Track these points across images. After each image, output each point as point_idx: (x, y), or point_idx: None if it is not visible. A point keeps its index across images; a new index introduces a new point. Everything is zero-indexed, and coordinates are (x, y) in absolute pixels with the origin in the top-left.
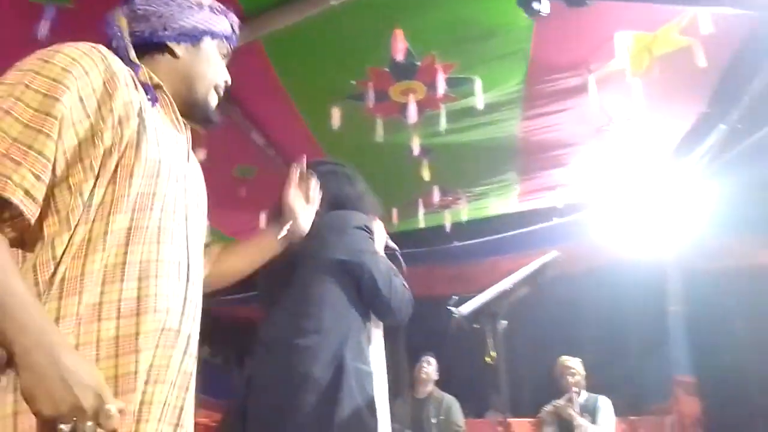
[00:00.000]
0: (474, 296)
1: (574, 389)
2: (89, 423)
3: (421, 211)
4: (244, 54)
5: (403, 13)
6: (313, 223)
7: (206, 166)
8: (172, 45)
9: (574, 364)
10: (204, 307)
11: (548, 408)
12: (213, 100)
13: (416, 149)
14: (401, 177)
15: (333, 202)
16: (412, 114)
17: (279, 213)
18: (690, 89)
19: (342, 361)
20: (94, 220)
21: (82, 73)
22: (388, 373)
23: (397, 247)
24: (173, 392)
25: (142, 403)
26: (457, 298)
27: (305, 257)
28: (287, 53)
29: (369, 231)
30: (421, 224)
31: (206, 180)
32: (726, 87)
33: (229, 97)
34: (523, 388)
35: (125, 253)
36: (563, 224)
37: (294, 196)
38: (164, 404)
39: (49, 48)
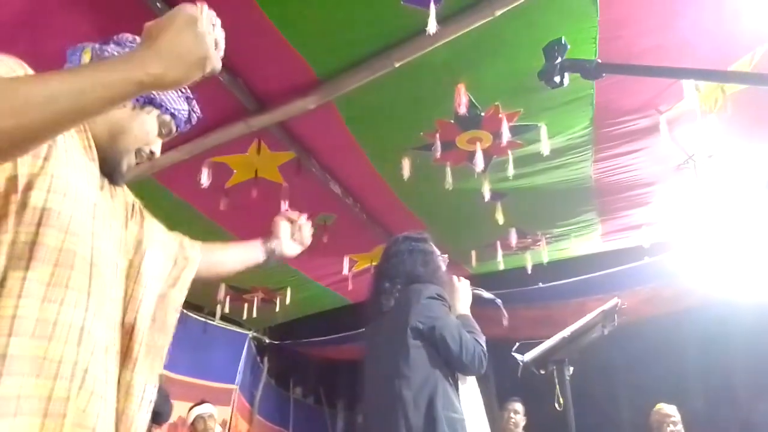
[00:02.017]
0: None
1: None
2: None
3: (500, 253)
4: (319, 114)
5: (464, 68)
6: (397, 297)
7: None
8: None
9: (672, 411)
10: (292, 350)
11: None
12: (128, 161)
13: (487, 195)
14: (476, 221)
15: (410, 278)
16: (480, 162)
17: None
18: None
19: (434, 411)
20: None
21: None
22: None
23: (493, 296)
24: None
25: None
26: (518, 344)
27: (395, 327)
28: (357, 111)
29: (441, 298)
30: (501, 266)
31: None
32: None
33: (308, 152)
34: None
35: (23, 268)
36: (653, 264)
37: (283, 226)
38: None
39: None
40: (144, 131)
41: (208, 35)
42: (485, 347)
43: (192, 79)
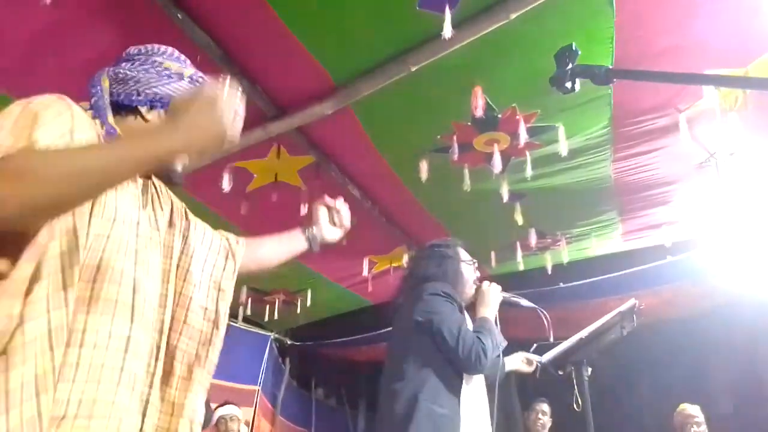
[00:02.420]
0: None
1: None
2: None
3: (520, 253)
4: (336, 118)
5: (481, 70)
6: (406, 296)
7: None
8: (143, 110)
9: (695, 412)
10: (313, 351)
11: None
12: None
13: (505, 196)
14: (495, 222)
15: (422, 278)
16: (498, 163)
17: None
18: None
19: (416, 402)
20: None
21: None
22: (502, 419)
23: (534, 305)
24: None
25: None
26: (536, 345)
27: (401, 324)
28: (374, 115)
29: (446, 296)
30: (521, 267)
31: None
32: None
33: (327, 155)
34: None
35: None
36: (675, 263)
37: (322, 211)
38: None
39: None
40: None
41: (227, 113)
42: (498, 348)
43: (209, 153)
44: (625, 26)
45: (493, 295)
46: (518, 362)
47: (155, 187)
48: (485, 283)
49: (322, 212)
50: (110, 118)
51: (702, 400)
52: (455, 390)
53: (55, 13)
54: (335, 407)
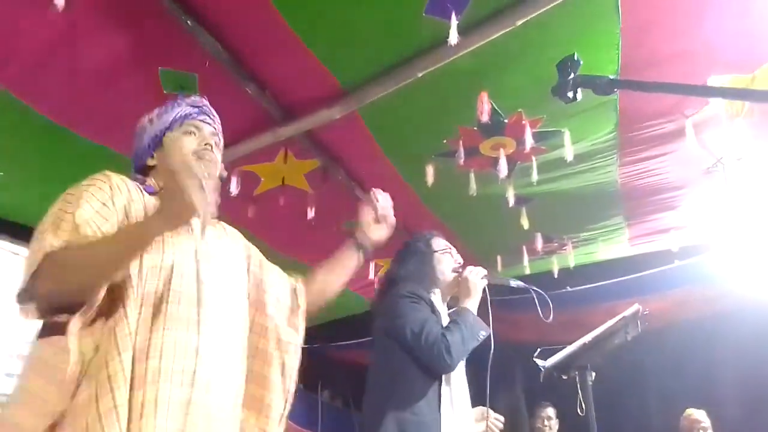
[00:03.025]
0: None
1: None
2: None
3: (526, 258)
4: (344, 123)
5: (487, 76)
6: (377, 300)
7: (318, 224)
8: (148, 161)
9: (702, 416)
10: (319, 354)
11: None
12: (196, 167)
13: (511, 200)
14: (502, 226)
15: (390, 283)
16: (504, 168)
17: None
18: None
19: (384, 410)
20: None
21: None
22: (509, 421)
23: (523, 284)
24: None
25: None
26: (540, 349)
27: (373, 330)
28: (381, 119)
29: (412, 296)
30: (527, 271)
31: (319, 235)
32: None
33: (334, 159)
34: None
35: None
36: (683, 267)
37: (366, 212)
38: None
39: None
40: (177, 150)
41: (194, 194)
42: (474, 340)
43: (179, 225)
44: (631, 32)
45: (474, 282)
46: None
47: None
48: (467, 270)
49: (365, 213)
50: (139, 181)
51: (710, 404)
52: (431, 393)
53: (66, 18)
54: (342, 409)
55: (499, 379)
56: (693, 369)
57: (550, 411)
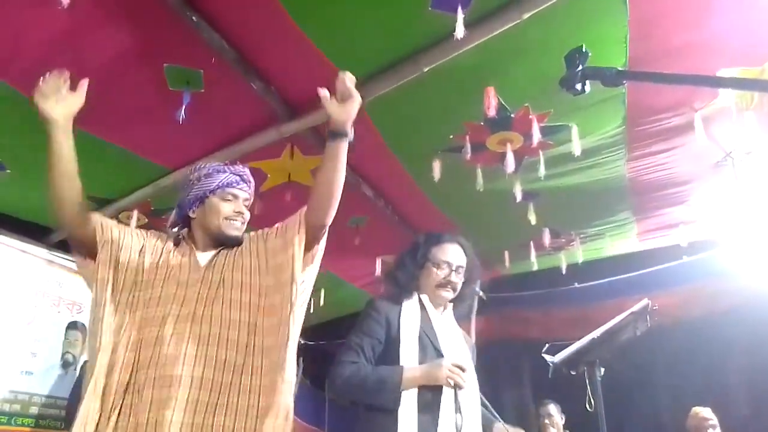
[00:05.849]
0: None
1: None
2: None
3: (533, 253)
4: None
5: (493, 71)
6: None
7: None
8: (189, 213)
9: (709, 414)
10: (327, 350)
11: None
12: (228, 229)
13: (519, 195)
14: (509, 221)
15: (384, 278)
16: (510, 163)
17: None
18: None
19: (356, 415)
20: None
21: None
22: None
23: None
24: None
25: None
26: (548, 345)
27: None
28: (387, 115)
29: (369, 306)
30: (535, 266)
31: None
32: None
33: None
34: None
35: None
36: (692, 263)
37: (330, 103)
38: None
39: None
40: (215, 212)
41: None
42: (373, 399)
43: None
44: (639, 25)
45: (437, 377)
46: None
47: None
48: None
49: (326, 102)
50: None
51: (719, 401)
52: (430, 394)
53: (72, 15)
54: (348, 406)
55: (507, 375)
56: (702, 365)
57: (551, 408)
